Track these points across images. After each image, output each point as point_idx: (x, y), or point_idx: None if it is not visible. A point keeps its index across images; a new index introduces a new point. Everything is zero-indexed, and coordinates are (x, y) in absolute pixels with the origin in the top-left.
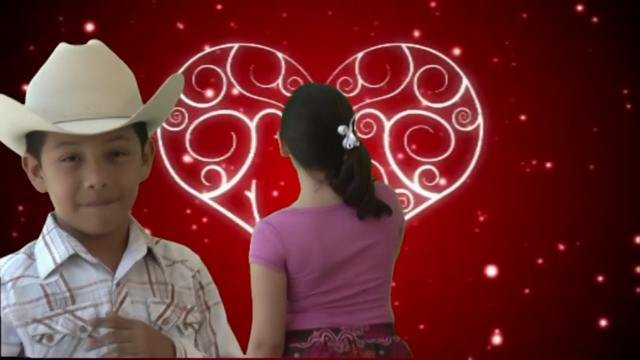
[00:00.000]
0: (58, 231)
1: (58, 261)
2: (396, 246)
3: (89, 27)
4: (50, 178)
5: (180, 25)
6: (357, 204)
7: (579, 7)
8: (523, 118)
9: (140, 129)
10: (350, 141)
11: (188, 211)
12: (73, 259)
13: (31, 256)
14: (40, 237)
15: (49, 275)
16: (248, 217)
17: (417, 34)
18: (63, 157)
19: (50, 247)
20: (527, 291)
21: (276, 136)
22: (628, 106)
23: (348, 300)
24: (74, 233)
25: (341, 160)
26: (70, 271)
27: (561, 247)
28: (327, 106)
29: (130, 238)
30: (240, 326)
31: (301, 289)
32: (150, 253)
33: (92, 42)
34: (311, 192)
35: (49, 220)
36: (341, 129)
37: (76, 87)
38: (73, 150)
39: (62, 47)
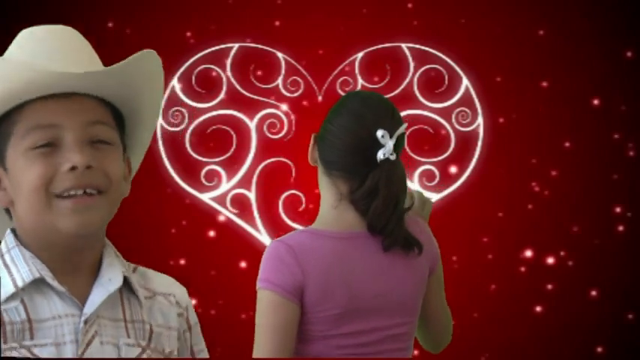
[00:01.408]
0: (21, 249)
1: (20, 284)
2: (429, 289)
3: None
4: (19, 174)
5: (180, 25)
6: (381, 231)
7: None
8: (523, 118)
9: (121, 132)
10: (386, 151)
11: (187, 211)
12: (36, 284)
13: None
14: None
15: (7, 300)
16: (248, 217)
17: (417, 34)
18: (37, 144)
19: (10, 267)
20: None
21: (312, 137)
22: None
23: (371, 347)
24: (39, 253)
25: (369, 173)
26: (31, 298)
27: (562, 247)
28: (378, 106)
29: (103, 265)
30: (240, 329)
31: (316, 327)
32: (126, 284)
33: (60, 25)
34: (331, 210)
35: (9, 236)
36: (380, 133)
37: (49, 58)
38: (50, 134)
39: (28, 29)
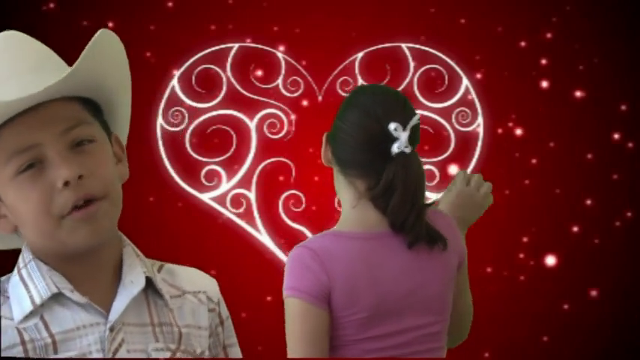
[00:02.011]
0: (37, 263)
1: (37, 302)
2: (455, 284)
3: (84, 24)
4: (15, 203)
5: (180, 25)
6: (402, 227)
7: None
8: (523, 118)
9: (100, 117)
10: (400, 144)
11: (187, 211)
12: (57, 296)
13: (3, 293)
14: (15, 270)
15: (26, 318)
16: (248, 217)
17: (417, 34)
18: (21, 168)
19: (27, 283)
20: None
21: (323, 137)
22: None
23: (404, 349)
24: (57, 265)
25: (385, 167)
26: (52, 311)
27: (562, 247)
28: (388, 99)
29: (125, 267)
30: (240, 328)
31: (345, 332)
32: (150, 285)
33: (4, 32)
34: (351, 210)
35: (26, 250)
36: (392, 126)
37: (2, 77)
38: (30, 155)
39: None
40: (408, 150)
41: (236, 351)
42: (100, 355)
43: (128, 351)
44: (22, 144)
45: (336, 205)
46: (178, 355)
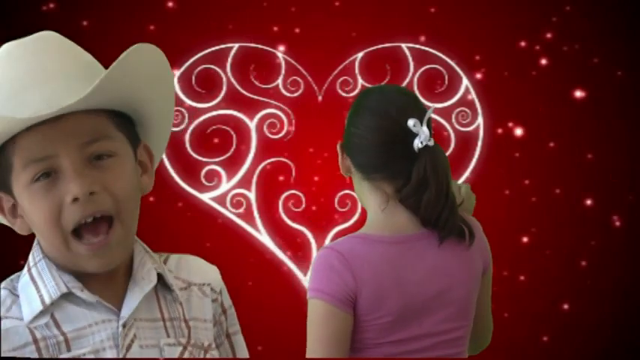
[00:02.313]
0: (47, 262)
1: (47, 301)
2: (480, 290)
3: (84, 24)
4: (28, 210)
5: (180, 25)
6: (436, 222)
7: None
8: (523, 118)
9: (127, 128)
10: (423, 138)
11: (187, 211)
12: (67, 295)
13: (13, 292)
14: (25, 269)
15: (36, 318)
16: (248, 217)
17: (417, 34)
18: (36, 177)
19: (37, 282)
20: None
21: (338, 148)
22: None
23: (424, 354)
24: (67, 264)
25: (412, 166)
26: (63, 309)
27: (562, 246)
28: (399, 97)
29: (135, 264)
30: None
31: (368, 335)
32: (160, 280)
33: (39, 33)
34: (378, 213)
35: (37, 248)
36: (411, 122)
37: (27, 84)
38: (46, 165)
39: (5, 46)
40: (431, 143)
41: (239, 339)
42: (114, 351)
43: (141, 346)
44: (39, 153)
45: (336, 205)
46: (189, 349)
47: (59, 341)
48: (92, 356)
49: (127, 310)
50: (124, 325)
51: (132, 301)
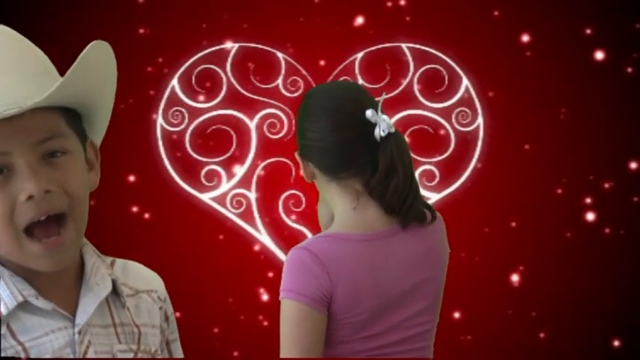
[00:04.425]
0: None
1: (3, 311)
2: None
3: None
4: None
5: (180, 25)
6: (400, 208)
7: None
8: (523, 118)
9: (77, 125)
10: (384, 126)
11: (187, 211)
12: (22, 304)
13: None
14: None
15: None
16: (248, 217)
17: (417, 34)
18: None
19: None
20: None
21: (296, 156)
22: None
23: (394, 347)
24: (19, 269)
25: (377, 156)
26: (18, 318)
27: (562, 246)
28: (348, 92)
29: (87, 269)
30: (240, 328)
31: (343, 332)
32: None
33: None
34: (349, 212)
35: None
36: (369, 113)
37: None
38: (1, 162)
39: None
40: (392, 130)
41: (177, 346)
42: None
43: (96, 352)
44: None
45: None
46: (139, 355)
47: (18, 351)
48: None
49: (82, 317)
50: (79, 332)
51: (87, 307)
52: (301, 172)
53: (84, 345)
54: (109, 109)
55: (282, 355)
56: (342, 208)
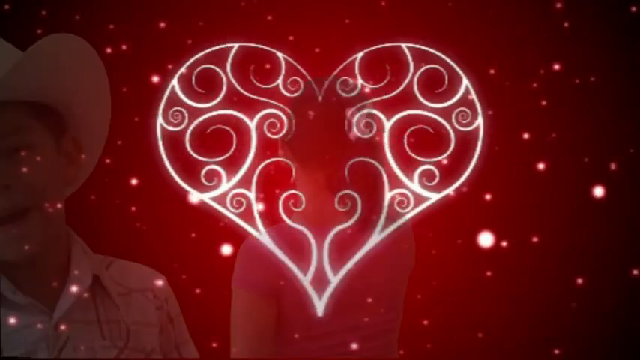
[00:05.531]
0: None
1: None
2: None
3: (76, 19)
4: None
5: (180, 25)
6: (362, 210)
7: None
8: (523, 118)
9: (48, 119)
10: (359, 129)
11: (187, 212)
12: None
13: None
14: None
15: None
16: (248, 217)
17: (417, 34)
18: None
19: None
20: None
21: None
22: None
23: (351, 346)
24: None
25: (347, 157)
26: None
27: (562, 246)
28: (340, 89)
29: (72, 265)
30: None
31: (293, 330)
32: (97, 282)
33: None
34: (309, 204)
35: None
36: (349, 112)
37: None
38: None
39: None
40: (367, 136)
41: (188, 348)
42: (45, 353)
43: (74, 348)
44: None
45: (336, 204)
46: (127, 352)
47: None
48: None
49: (60, 311)
50: (55, 327)
51: (65, 302)
52: (279, 153)
53: (61, 340)
54: (95, 104)
55: (232, 344)
56: (305, 198)
